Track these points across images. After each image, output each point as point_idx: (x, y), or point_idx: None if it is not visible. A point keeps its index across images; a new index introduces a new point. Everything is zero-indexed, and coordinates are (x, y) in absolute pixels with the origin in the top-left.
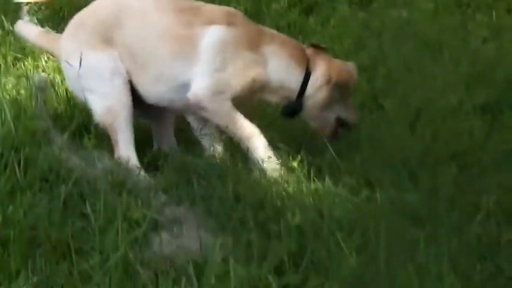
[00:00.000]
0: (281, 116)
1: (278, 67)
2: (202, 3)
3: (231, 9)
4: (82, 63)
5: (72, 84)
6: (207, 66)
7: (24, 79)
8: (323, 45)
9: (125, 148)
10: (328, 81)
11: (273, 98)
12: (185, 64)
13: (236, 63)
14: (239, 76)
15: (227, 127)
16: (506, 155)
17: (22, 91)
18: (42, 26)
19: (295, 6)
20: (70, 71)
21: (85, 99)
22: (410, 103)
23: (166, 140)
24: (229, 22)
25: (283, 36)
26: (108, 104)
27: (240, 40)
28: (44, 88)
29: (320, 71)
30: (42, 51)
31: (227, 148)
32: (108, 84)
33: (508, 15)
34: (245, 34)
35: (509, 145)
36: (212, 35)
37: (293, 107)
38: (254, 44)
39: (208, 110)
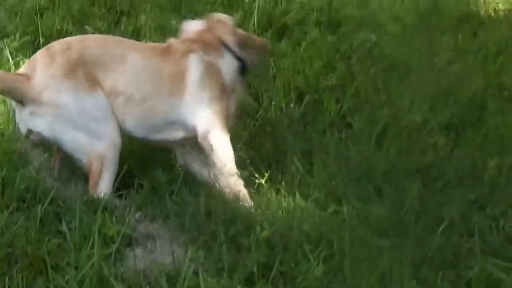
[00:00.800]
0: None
1: (226, 64)
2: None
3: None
4: (76, 103)
5: (50, 127)
6: (201, 100)
7: (1, 104)
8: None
9: (105, 188)
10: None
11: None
12: (177, 99)
13: (215, 87)
14: (220, 99)
15: (221, 159)
16: (468, 170)
17: None
18: (17, 55)
19: (267, 30)
20: (54, 111)
21: (62, 140)
22: (377, 121)
23: None
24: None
25: (196, 34)
26: (101, 148)
27: (209, 64)
28: None
29: (229, 38)
30: None
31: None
32: (106, 126)
33: (473, 38)
34: (206, 58)
35: (471, 161)
36: (194, 69)
37: (241, 66)
38: (212, 62)
39: (214, 143)
